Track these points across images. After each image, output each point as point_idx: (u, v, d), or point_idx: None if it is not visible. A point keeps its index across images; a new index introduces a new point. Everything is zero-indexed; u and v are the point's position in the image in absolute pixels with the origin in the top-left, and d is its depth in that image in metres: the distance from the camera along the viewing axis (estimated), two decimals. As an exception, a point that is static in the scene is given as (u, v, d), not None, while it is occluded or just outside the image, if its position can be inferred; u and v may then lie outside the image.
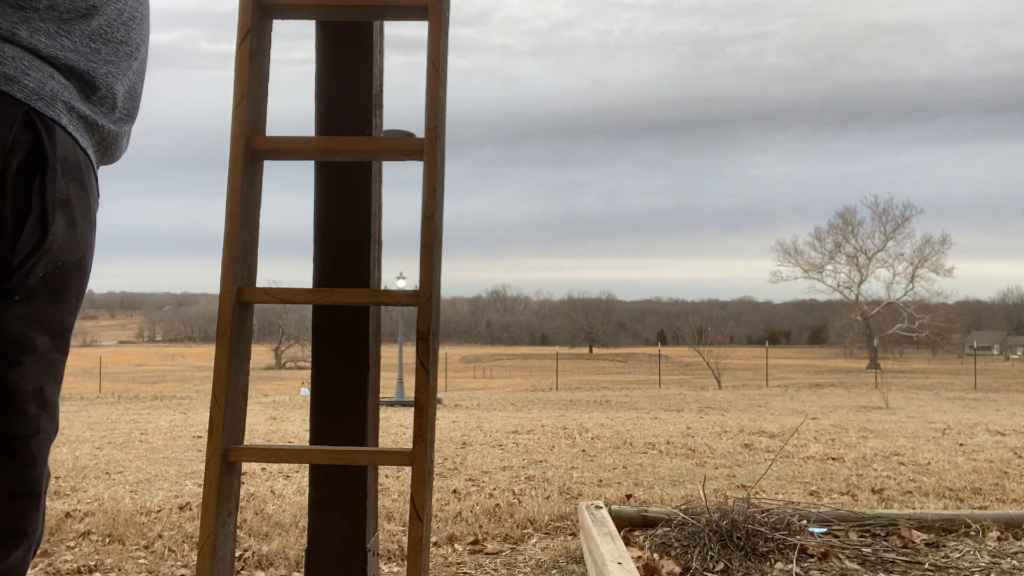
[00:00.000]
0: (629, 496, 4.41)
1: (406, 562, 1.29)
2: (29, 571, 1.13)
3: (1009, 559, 2.97)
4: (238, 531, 3.07)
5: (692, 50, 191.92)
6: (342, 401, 1.69)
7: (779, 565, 2.82)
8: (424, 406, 1.30)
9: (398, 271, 25.12)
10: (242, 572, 2.98)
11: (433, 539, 3.47)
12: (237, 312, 1.32)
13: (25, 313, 0.93)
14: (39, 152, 0.93)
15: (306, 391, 19.65)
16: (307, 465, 2.58)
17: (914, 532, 3.25)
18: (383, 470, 5.04)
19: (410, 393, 20.39)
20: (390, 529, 3.63)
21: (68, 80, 1.01)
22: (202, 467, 5.66)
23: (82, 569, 3.00)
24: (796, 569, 2.79)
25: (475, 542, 3.41)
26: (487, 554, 3.27)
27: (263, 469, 5.31)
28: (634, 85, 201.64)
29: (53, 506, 4.12)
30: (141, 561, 3.12)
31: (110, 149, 1.13)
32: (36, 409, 0.95)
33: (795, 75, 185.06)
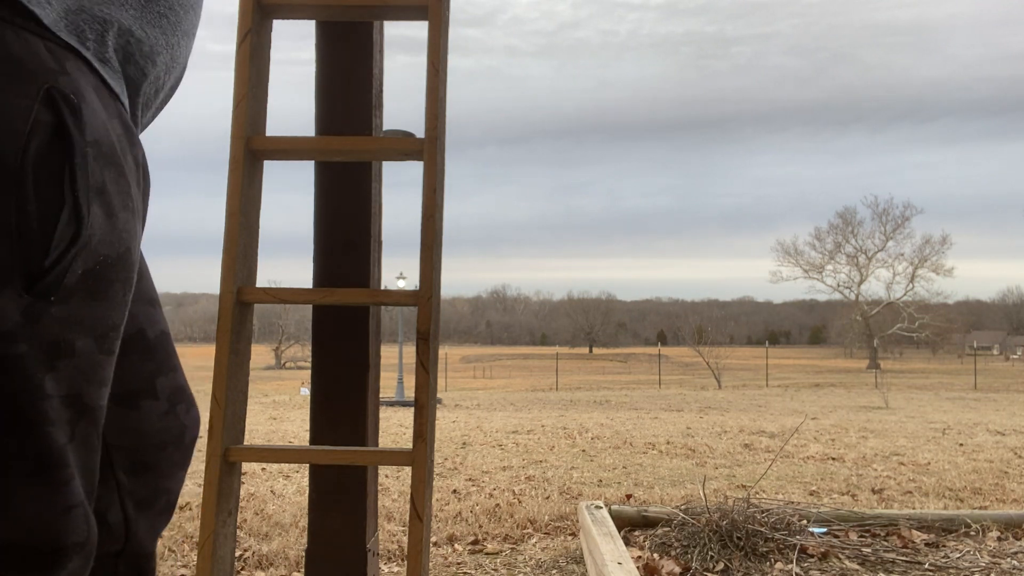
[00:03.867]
0: (629, 496, 4.41)
1: (406, 562, 1.29)
2: None
3: (1009, 559, 2.97)
4: (238, 531, 3.07)
5: (697, 50, 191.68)
6: (342, 401, 1.69)
7: (779, 565, 2.82)
8: (424, 406, 1.30)
9: (398, 271, 25.15)
10: (242, 572, 2.98)
11: (433, 539, 3.47)
12: (237, 312, 1.32)
13: (63, 315, 0.86)
14: (63, 136, 0.83)
15: (306, 391, 19.64)
16: (307, 465, 2.58)
17: (914, 532, 3.25)
18: (383, 470, 5.04)
19: (410, 393, 20.39)
20: (390, 529, 3.63)
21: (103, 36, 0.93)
22: (202, 467, 5.65)
23: (82, 569, 3.00)
24: (796, 569, 2.79)
25: (475, 542, 3.42)
26: (487, 554, 3.27)
27: (263, 469, 5.31)
28: (638, 85, 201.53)
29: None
30: (141, 561, 3.12)
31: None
32: (71, 415, 0.89)
33: (798, 75, 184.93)
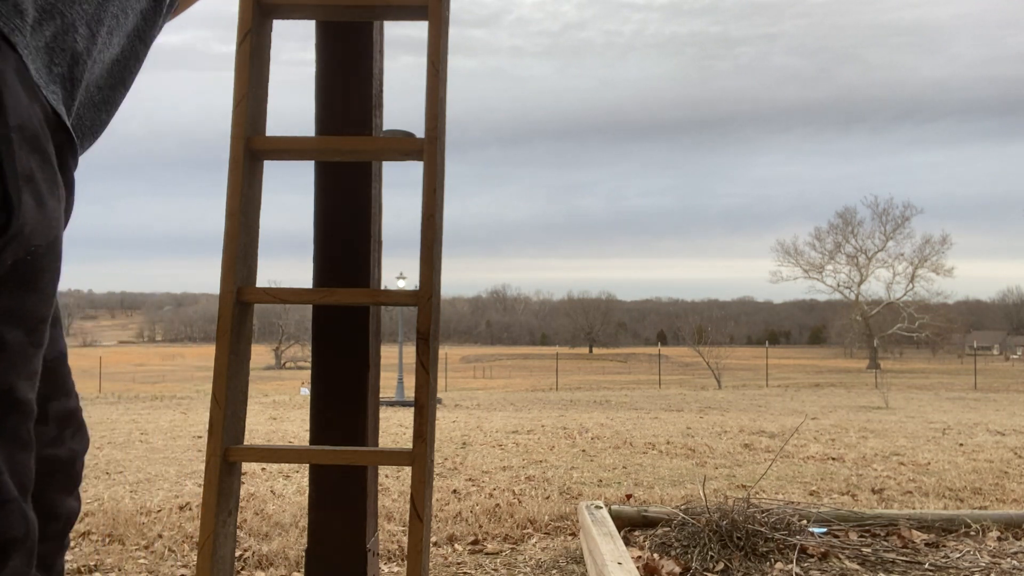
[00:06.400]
0: (629, 496, 4.41)
1: (406, 562, 1.29)
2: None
3: (1009, 559, 2.97)
4: (238, 531, 3.07)
5: (701, 51, 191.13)
6: (342, 401, 1.69)
7: (779, 565, 2.82)
8: (424, 406, 1.30)
9: (398, 271, 25.16)
10: (242, 572, 2.98)
11: (433, 539, 3.47)
12: (237, 312, 1.33)
13: None
14: None
15: (306, 391, 19.65)
16: (307, 465, 2.58)
17: (914, 532, 3.25)
18: (383, 470, 5.04)
19: (410, 393, 20.39)
20: (390, 529, 3.63)
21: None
22: (202, 467, 5.66)
23: (82, 569, 3.00)
24: (796, 569, 2.79)
25: (475, 542, 3.42)
26: (487, 554, 3.27)
27: (263, 469, 5.31)
28: (642, 86, 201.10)
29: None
30: (141, 561, 3.12)
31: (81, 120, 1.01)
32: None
33: (802, 76, 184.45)
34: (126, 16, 1.08)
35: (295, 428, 9.20)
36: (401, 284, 24.82)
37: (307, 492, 1.90)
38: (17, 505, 0.87)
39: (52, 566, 1.15)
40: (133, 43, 1.13)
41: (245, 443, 1.36)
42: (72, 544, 3.35)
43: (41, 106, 0.91)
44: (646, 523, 3.37)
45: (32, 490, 1.08)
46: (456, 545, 3.39)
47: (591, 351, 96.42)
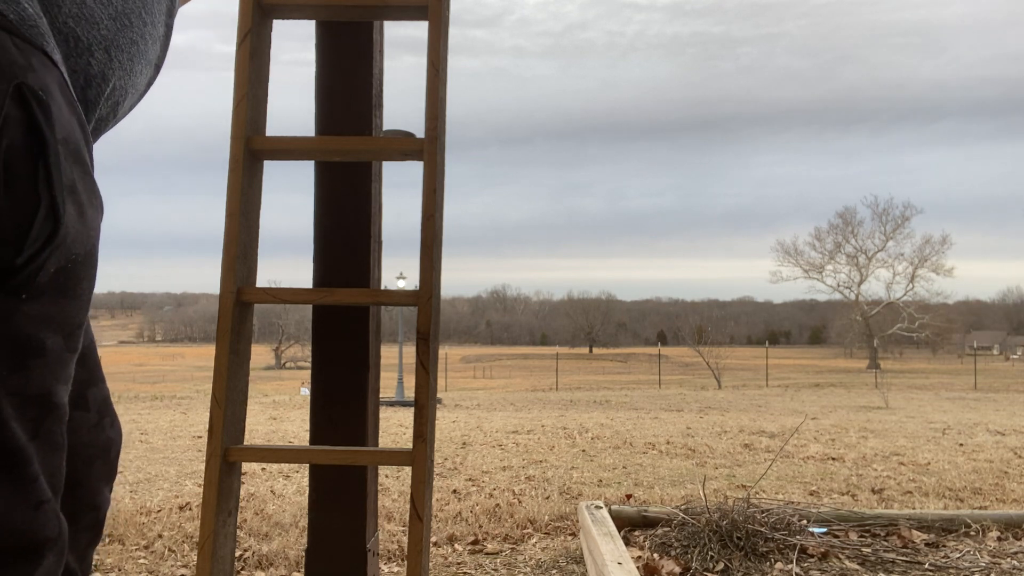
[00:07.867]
0: (629, 496, 4.41)
1: (406, 562, 1.29)
2: None
3: (1009, 559, 2.97)
4: (238, 531, 3.07)
5: (703, 51, 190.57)
6: (342, 401, 1.69)
7: (779, 565, 2.82)
8: (424, 406, 1.30)
9: (398, 271, 25.16)
10: (242, 572, 2.98)
11: (433, 539, 3.47)
12: (237, 312, 1.32)
13: (35, 313, 0.86)
14: (35, 133, 0.83)
15: (306, 391, 19.64)
16: (307, 465, 2.58)
17: (914, 532, 3.25)
18: (383, 470, 5.04)
19: (410, 393, 20.39)
20: (390, 529, 3.63)
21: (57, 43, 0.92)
22: (202, 467, 5.66)
23: (82, 569, 3.00)
24: (796, 569, 2.79)
25: (475, 542, 3.42)
26: (487, 554, 3.27)
27: (263, 469, 5.31)
28: (643, 86, 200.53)
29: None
30: (141, 561, 3.12)
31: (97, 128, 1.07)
32: (37, 413, 0.88)
33: (803, 76, 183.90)
34: (145, 44, 1.10)
35: (295, 428, 9.20)
36: (401, 284, 24.83)
37: (307, 492, 1.90)
38: (52, 506, 0.90)
39: (85, 557, 1.16)
40: (153, 72, 1.17)
41: (245, 443, 1.36)
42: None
43: (78, 119, 0.95)
44: (646, 523, 3.37)
45: (72, 478, 1.09)
46: (456, 545, 3.39)
47: (591, 351, 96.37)
